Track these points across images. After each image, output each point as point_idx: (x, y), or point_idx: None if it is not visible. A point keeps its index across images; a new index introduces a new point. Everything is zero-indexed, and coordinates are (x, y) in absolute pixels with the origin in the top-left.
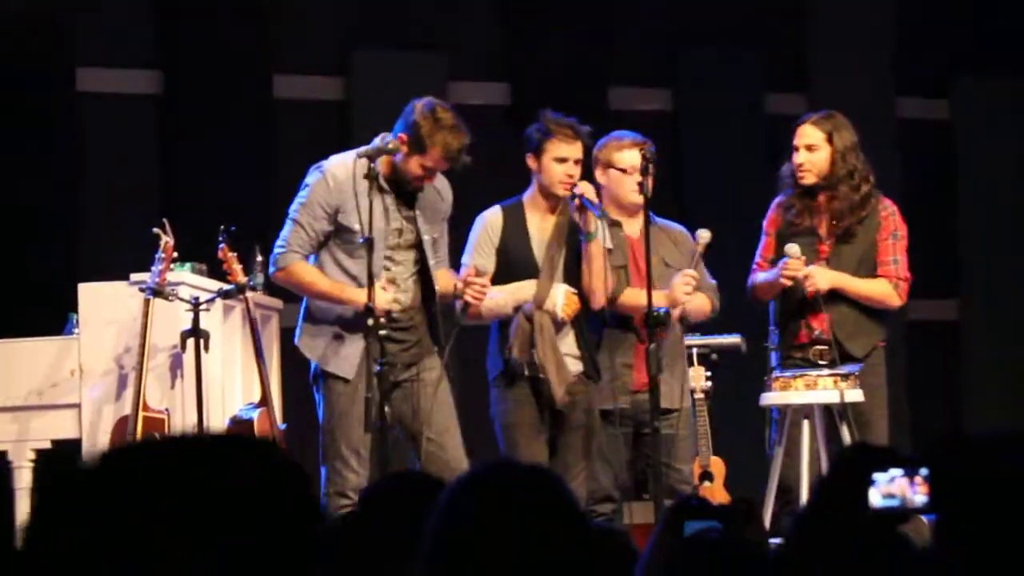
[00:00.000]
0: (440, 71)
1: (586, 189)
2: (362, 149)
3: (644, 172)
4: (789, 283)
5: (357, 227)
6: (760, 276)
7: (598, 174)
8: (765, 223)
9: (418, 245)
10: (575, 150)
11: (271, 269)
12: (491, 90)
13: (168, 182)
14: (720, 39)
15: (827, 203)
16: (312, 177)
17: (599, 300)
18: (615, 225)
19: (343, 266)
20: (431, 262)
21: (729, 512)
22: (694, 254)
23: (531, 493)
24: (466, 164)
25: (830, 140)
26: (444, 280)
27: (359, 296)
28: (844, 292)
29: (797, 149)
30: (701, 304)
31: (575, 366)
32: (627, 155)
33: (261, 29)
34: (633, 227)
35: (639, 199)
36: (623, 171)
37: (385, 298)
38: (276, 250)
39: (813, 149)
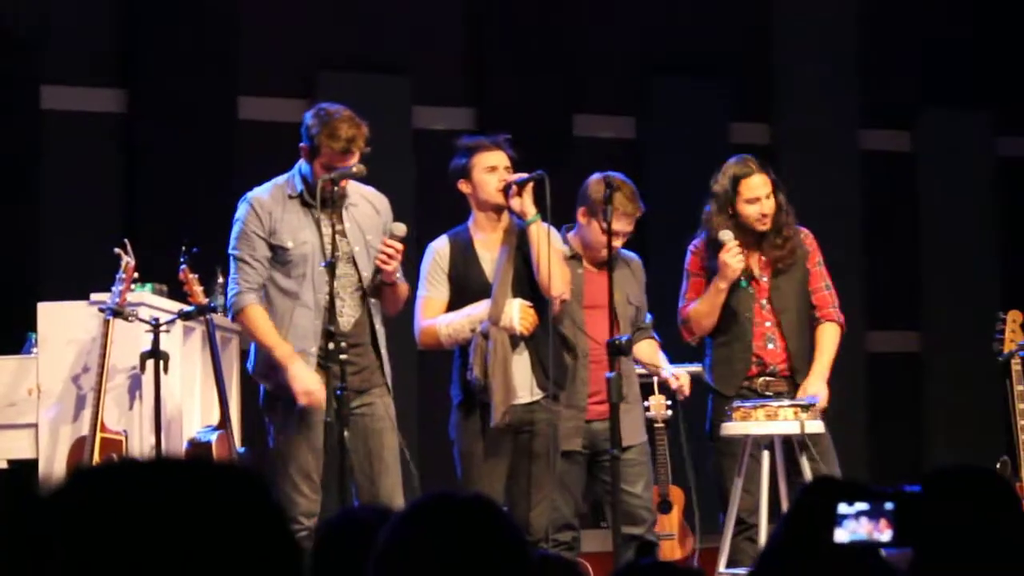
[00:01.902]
0: (405, 95)
1: (515, 176)
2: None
3: (607, 200)
4: (734, 276)
5: (290, 244)
6: (695, 305)
7: (580, 214)
8: (688, 266)
9: (352, 260)
10: (502, 158)
11: (229, 313)
12: (456, 115)
13: (130, 202)
14: (686, 68)
15: (768, 240)
16: (240, 210)
17: (554, 286)
18: (573, 259)
19: (281, 286)
20: (364, 274)
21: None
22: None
23: (473, 525)
24: (367, 155)
25: (775, 191)
26: (401, 287)
27: (290, 361)
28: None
29: (756, 201)
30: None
31: (528, 391)
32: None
33: (226, 49)
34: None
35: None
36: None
37: (312, 379)
38: (230, 293)
39: (769, 197)
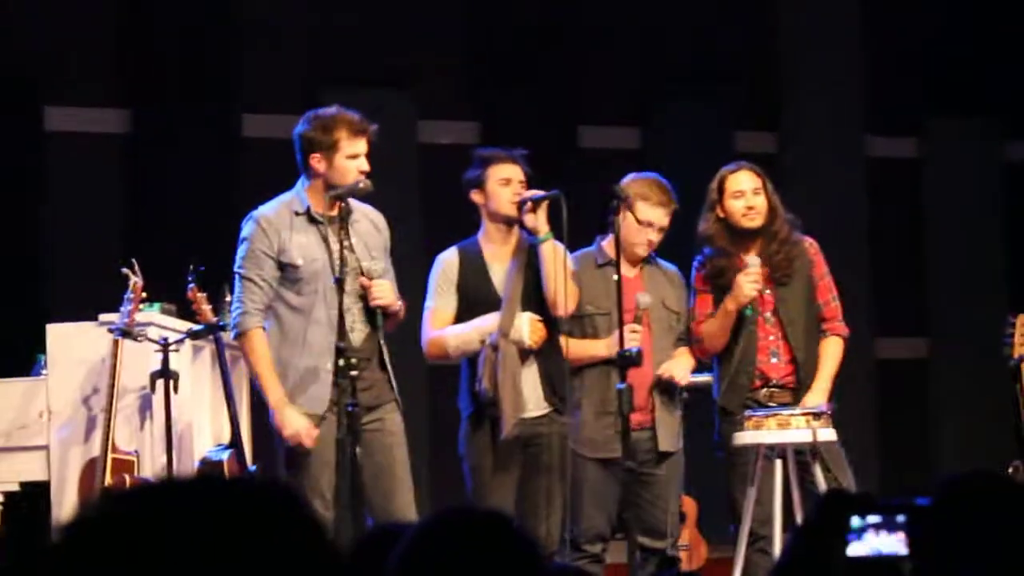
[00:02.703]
0: (409, 110)
1: (530, 193)
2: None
3: (616, 211)
4: (745, 300)
5: (300, 262)
6: (706, 324)
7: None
8: (694, 283)
9: (360, 274)
10: (516, 171)
11: (232, 332)
12: (461, 129)
13: (136, 222)
14: (690, 77)
15: (764, 248)
16: (247, 228)
17: (561, 305)
18: (608, 264)
19: (292, 304)
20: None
21: None
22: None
23: (487, 540)
24: (375, 133)
25: (766, 187)
26: (400, 311)
27: (279, 408)
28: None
29: (741, 195)
30: (689, 364)
31: (537, 404)
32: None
33: (228, 67)
34: (631, 266)
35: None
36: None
37: (301, 423)
38: (234, 312)
39: (758, 193)
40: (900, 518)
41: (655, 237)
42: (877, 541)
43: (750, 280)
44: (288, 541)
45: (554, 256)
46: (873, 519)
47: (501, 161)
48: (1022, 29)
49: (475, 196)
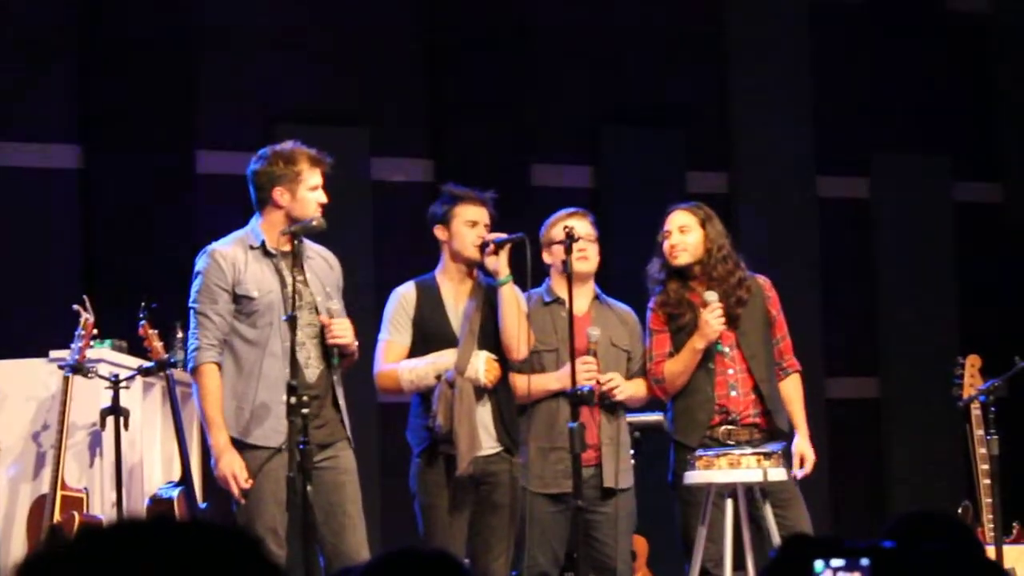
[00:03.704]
0: (362, 146)
1: (494, 236)
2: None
3: (567, 249)
4: (714, 336)
5: (255, 294)
6: (670, 364)
7: (545, 255)
8: (650, 324)
9: (315, 309)
10: (483, 214)
11: (188, 365)
12: (413, 166)
13: (88, 258)
14: (643, 117)
15: (705, 284)
16: (201, 262)
17: (517, 348)
18: (555, 302)
19: (247, 337)
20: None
21: None
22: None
23: None
24: (331, 166)
25: (703, 225)
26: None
27: (221, 451)
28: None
29: (668, 234)
30: (636, 389)
31: (491, 442)
32: (554, 231)
33: (182, 103)
34: (581, 304)
35: (583, 267)
36: (559, 243)
37: (238, 465)
38: (190, 348)
39: (685, 231)
40: (863, 562)
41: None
42: None
43: (715, 316)
44: None
45: (514, 299)
46: (836, 563)
47: (469, 202)
48: (970, 68)
49: (438, 232)
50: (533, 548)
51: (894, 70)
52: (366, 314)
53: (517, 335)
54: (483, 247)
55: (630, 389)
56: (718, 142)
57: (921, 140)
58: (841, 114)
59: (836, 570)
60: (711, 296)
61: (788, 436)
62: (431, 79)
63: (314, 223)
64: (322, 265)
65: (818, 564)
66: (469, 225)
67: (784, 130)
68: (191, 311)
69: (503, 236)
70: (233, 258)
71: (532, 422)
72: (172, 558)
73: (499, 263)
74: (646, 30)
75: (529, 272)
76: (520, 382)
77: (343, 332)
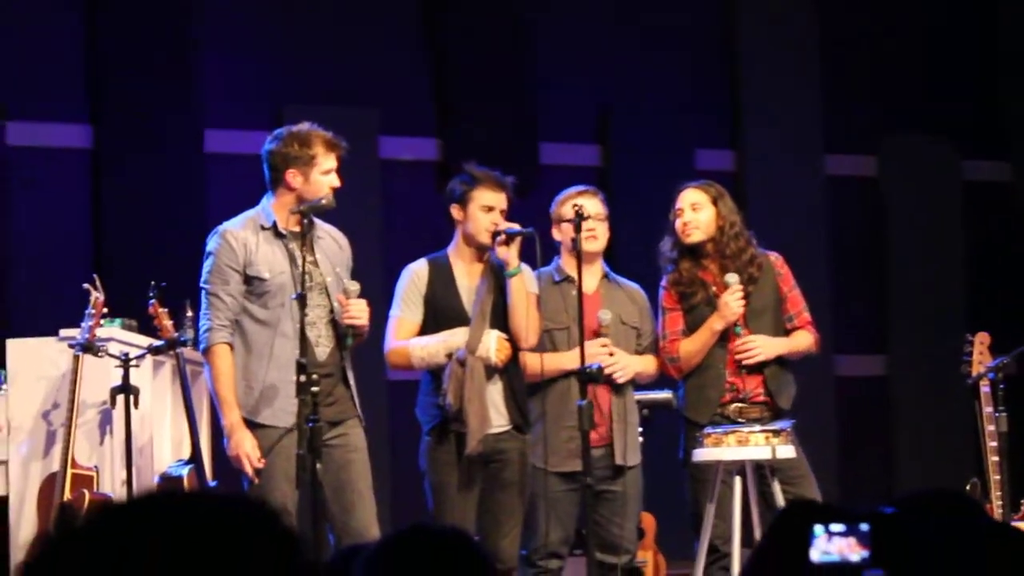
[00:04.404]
0: (371, 126)
1: (507, 225)
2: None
3: (577, 227)
4: (733, 318)
5: (267, 275)
6: (685, 343)
7: (554, 232)
8: (663, 302)
9: (325, 290)
10: (501, 199)
11: (200, 345)
12: (422, 145)
13: (98, 237)
14: (651, 95)
15: (718, 262)
16: (212, 243)
17: (526, 338)
18: (565, 281)
19: (258, 318)
20: (336, 304)
21: None
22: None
23: (447, 559)
24: (346, 151)
25: (714, 202)
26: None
27: (233, 430)
28: (785, 355)
29: (680, 212)
30: (645, 366)
31: (502, 420)
32: (563, 208)
33: (192, 83)
34: (590, 282)
35: (592, 246)
36: (569, 222)
37: (250, 444)
38: (201, 328)
39: (697, 208)
40: (863, 527)
41: (499, 222)
42: (839, 549)
43: (736, 299)
44: (266, 557)
45: (522, 291)
46: (836, 527)
47: (488, 186)
48: (977, 47)
49: (454, 211)
50: (545, 525)
51: (903, 48)
52: (375, 292)
53: (525, 326)
54: (495, 236)
55: (639, 365)
56: (726, 120)
57: (930, 119)
58: (850, 92)
59: (835, 535)
60: (732, 278)
61: (792, 415)
62: (440, 57)
63: (323, 201)
64: (332, 245)
65: (818, 528)
66: (485, 210)
67: (793, 108)
68: (203, 291)
69: (515, 228)
70: (244, 239)
71: (545, 401)
72: (192, 529)
73: (510, 254)
74: (655, 7)
75: (538, 267)
76: (533, 361)
77: (360, 313)
